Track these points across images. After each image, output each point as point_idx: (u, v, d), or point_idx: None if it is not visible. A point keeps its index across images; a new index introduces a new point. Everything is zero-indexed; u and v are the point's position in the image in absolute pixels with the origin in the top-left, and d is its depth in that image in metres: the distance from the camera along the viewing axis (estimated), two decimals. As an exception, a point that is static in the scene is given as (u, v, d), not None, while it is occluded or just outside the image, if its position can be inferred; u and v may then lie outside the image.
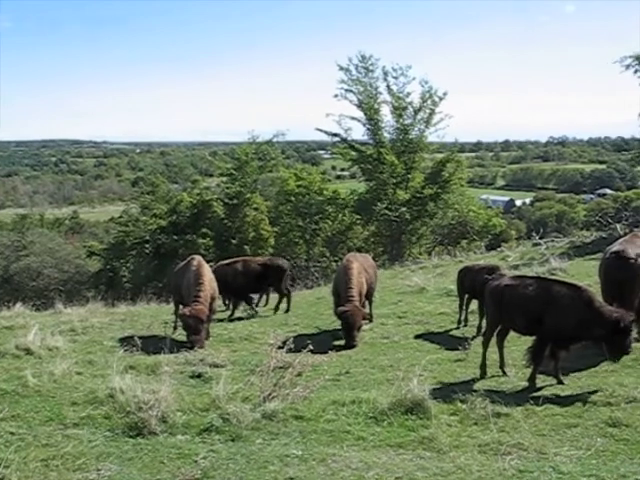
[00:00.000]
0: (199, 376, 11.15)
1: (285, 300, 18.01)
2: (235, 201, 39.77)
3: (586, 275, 17.97)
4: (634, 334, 11.80)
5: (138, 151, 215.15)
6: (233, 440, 7.96)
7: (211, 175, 51.65)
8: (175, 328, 14.97)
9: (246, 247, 38.55)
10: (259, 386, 9.34)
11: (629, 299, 11.46)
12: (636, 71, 29.68)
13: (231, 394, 9.19)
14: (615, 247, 12.12)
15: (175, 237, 37.46)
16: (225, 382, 9.27)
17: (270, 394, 9.02)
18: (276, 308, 17.87)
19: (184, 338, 13.87)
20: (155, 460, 7.42)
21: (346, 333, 13.60)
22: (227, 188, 40.71)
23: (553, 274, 18.95)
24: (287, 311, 17.72)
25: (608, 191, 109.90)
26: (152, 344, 12.98)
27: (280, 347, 10.21)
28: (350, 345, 13.38)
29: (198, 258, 15.18)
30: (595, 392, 9.31)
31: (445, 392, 9.63)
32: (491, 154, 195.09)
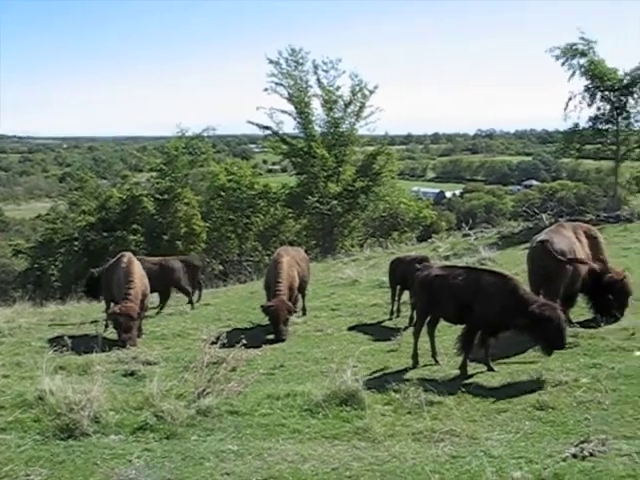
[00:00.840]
0: (132, 374, 11.00)
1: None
2: (166, 196, 39.26)
3: (514, 264, 18.42)
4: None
5: (65, 146, 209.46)
6: (168, 438, 7.91)
7: (141, 170, 50.83)
8: (106, 326, 14.72)
9: (178, 243, 38.16)
10: (193, 382, 9.30)
11: (555, 287, 11.84)
12: (563, 63, 30.55)
13: (165, 391, 9.10)
14: (541, 237, 12.45)
15: (105, 234, 36.74)
16: (159, 379, 9.18)
17: (204, 390, 8.98)
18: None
19: (116, 336, 13.65)
20: (88, 462, 7.30)
21: (273, 328, 13.65)
22: (157, 183, 40.18)
23: (483, 264, 19.35)
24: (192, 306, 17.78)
25: (534, 182, 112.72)
26: (83, 343, 12.73)
27: (213, 342, 10.16)
28: (279, 339, 13.42)
29: (128, 255, 14.97)
30: (523, 377, 9.59)
31: (379, 382, 9.76)
32: (421, 147, 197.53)
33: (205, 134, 43.07)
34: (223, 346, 10.08)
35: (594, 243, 12.93)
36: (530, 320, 9.64)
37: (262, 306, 14.04)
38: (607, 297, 12.60)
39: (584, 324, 12.35)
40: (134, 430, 8.15)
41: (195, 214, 39.69)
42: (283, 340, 13.41)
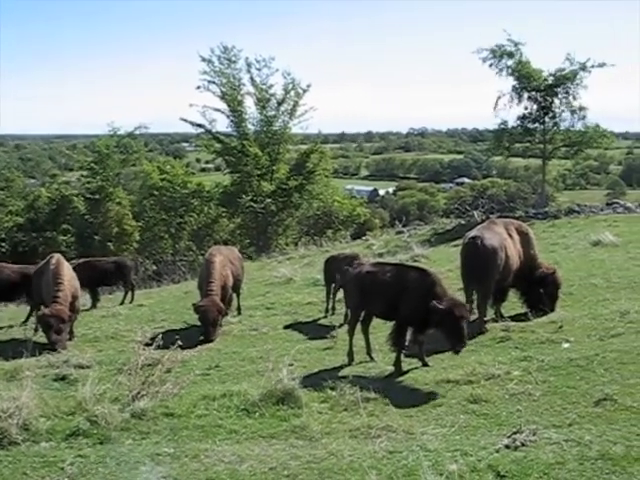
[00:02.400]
0: (63, 379, 10.75)
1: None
2: (97, 196, 38.62)
3: (447, 261, 18.75)
4: (486, 316, 12.60)
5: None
6: (102, 443, 7.74)
7: (71, 169, 49.89)
8: (36, 330, 14.34)
9: (109, 243, 37.52)
10: (127, 385, 9.13)
11: (487, 282, 12.09)
12: (491, 64, 31.19)
13: (98, 395, 8.91)
14: (472, 233, 12.68)
15: (34, 234, 35.92)
16: (91, 383, 8.99)
17: (139, 393, 8.84)
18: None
19: (46, 340, 13.31)
20: (17, 472, 7.07)
21: (204, 328, 13.56)
22: (88, 182, 39.48)
23: (416, 261, 19.61)
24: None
25: (466, 180, 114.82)
26: (11, 348, 12.38)
27: (148, 344, 10.02)
28: (208, 339, 13.34)
29: (57, 256, 14.62)
30: (457, 371, 9.74)
31: (315, 380, 9.80)
32: (354, 145, 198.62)
33: (137, 132, 42.58)
34: (158, 347, 9.90)
35: (525, 239, 13.25)
36: (438, 316, 9.79)
37: (193, 304, 13.94)
38: (539, 291, 12.94)
39: (515, 318, 12.65)
40: (66, 436, 7.93)
41: (127, 214, 39.14)
42: (212, 340, 13.33)
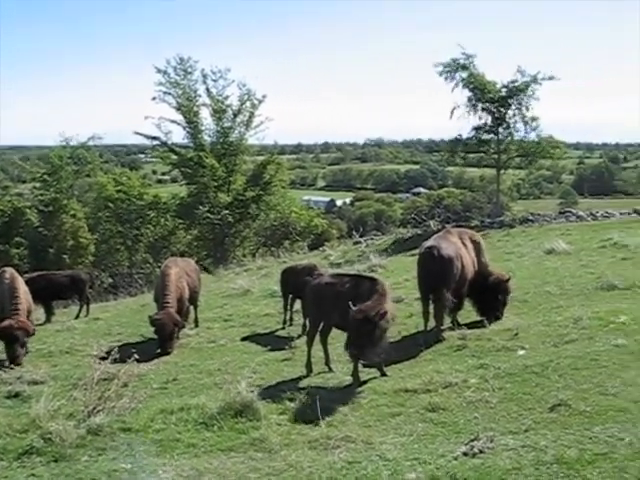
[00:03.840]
0: (16, 395, 10.55)
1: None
2: (50, 208, 38.06)
3: (404, 270, 18.88)
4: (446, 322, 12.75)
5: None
6: (56, 461, 7.60)
7: (24, 181, 48.95)
8: None
9: (65, 256, 36.95)
10: (83, 401, 9.00)
11: (444, 291, 12.19)
12: (447, 78, 31.62)
13: (53, 412, 8.77)
14: (429, 243, 12.82)
15: (-15, 248, 35.17)
16: (46, 400, 8.84)
17: (95, 408, 8.72)
18: None
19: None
20: (-33, 493, 6.92)
21: (160, 341, 13.44)
22: (41, 194, 38.86)
23: (373, 271, 19.70)
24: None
25: (422, 190, 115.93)
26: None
27: (104, 358, 9.89)
28: (164, 352, 13.23)
29: (10, 270, 14.34)
30: (415, 380, 9.79)
31: (273, 392, 9.77)
32: (311, 156, 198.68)
33: (91, 143, 42.12)
34: (114, 362, 9.82)
35: (477, 247, 13.48)
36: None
37: (149, 317, 13.81)
38: (494, 298, 13.13)
39: (470, 326, 12.80)
40: (19, 455, 7.77)
41: (82, 226, 38.64)
42: (169, 353, 13.22)
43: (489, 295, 13.18)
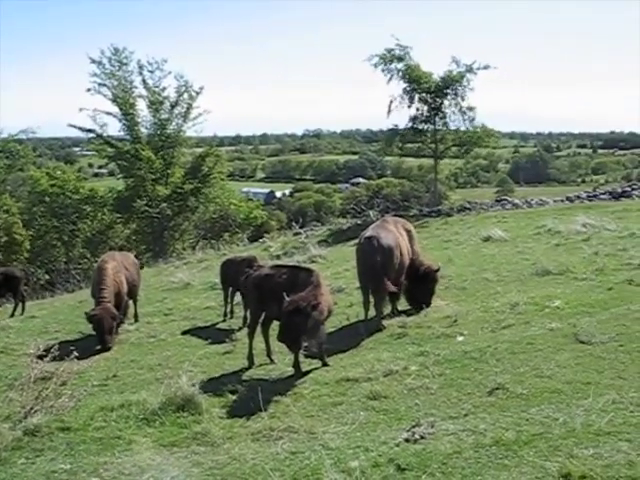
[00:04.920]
0: (-52, 398, 10.23)
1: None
2: (-19, 204, 36.86)
3: (344, 260, 18.99)
4: (385, 310, 12.89)
5: None
6: (-9, 464, 7.42)
7: (-49, 175, 47.33)
8: None
9: (-2, 252, 35.95)
10: (19, 401, 8.81)
11: (382, 280, 12.29)
12: (383, 69, 31.72)
13: (-14, 414, 8.56)
14: (368, 232, 12.91)
15: None
16: (-21, 402, 8.61)
17: (32, 408, 8.54)
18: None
19: None
20: None
21: (98, 336, 13.24)
22: (-29, 190, 37.66)
23: (313, 261, 19.78)
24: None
25: (361, 180, 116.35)
26: None
27: (41, 357, 9.68)
28: (105, 348, 13.05)
29: None
30: (357, 369, 9.87)
31: (215, 385, 9.74)
32: (250, 147, 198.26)
33: (23, 136, 40.94)
34: (52, 360, 9.62)
35: (410, 236, 13.68)
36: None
37: (86, 313, 13.58)
38: (424, 287, 13.34)
39: (408, 313, 12.98)
40: (-49, 460, 7.56)
41: (16, 222, 37.57)
42: (109, 349, 13.03)
43: (419, 284, 13.38)
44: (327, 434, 7.64)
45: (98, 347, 13.02)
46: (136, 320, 15.39)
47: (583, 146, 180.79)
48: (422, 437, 7.15)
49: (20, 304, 18.07)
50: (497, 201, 30.66)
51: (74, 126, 39.64)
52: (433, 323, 11.92)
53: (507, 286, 13.92)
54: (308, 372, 10.14)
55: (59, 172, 41.45)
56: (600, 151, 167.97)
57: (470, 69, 31.07)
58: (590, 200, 27.30)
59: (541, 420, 7.25)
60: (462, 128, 32.28)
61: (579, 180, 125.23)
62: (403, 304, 13.53)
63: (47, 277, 33.76)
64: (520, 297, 12.31)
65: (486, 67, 31.13)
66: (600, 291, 12.44)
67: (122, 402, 9.06)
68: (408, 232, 13.68)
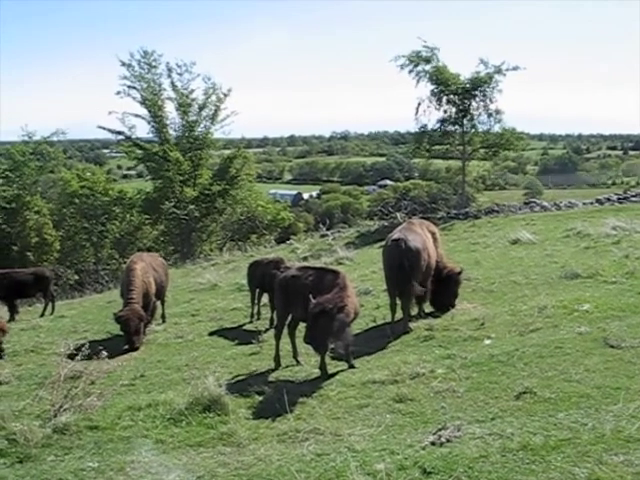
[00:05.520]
0: (-21, 396, 10.38)
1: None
2: (13, 205, 37.33)
3: (371, 262, 18.97)
4: (412, 312, 12.86)
5: None
6: (21, 461, 7.50)
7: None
8: None
9: (29, 253, 36.40)
10: (49, 400, 8.92)
11: (411, 282, 12.26)
12: (410, 71, 31.59)
13: (17, 412, 8.69)
14: (395, 235, 12.87)
15: (-54, 246, 34.55)
16: (10, 400, 8.75)
17: (61, 407, 8.63)
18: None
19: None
20: None
21: (126, 337, 13.35)
22: (3, 191, 38.13)
23: (340, 263, 19.80)
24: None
25: (388, 182, 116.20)
26: None
27: (70, 356, 9.80)
28: (132, 348, 13.15)
29: None
30: (383, 372, 9.84)
31: (242, 386, 9.76)
32: (278, 149, 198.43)
33: (55, 138, 41.36)
34: (81, 359, 9.73)
35: (434, 238, 13.63)
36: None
37: (114, 314, 13.70)
38: (449, 289, 13.31)
39: (434, 315, 12.96)
40: (-18, 457, 7.67)
41: (47, 223, 38.03)
42: (136, 349, 13.14)
43: (442, 286, 13.33)
44: (353, 436, 7.62)
45: (126, 347, 13.14)
46: (163, 321, 15.51)
47: (613, 148, 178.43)
48: (448, 440, 7.10)
49: (50, 304, 18.31)
50: (525, 203, 30.40)
51: (104, 128, 40.11)
52: (460, 326, 11.86)
53: (535, 289, 13.81)
54: (334, 374, 10.13)
55: (89, 174, 41.98)
56: (631, 152, 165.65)
57: (499, 70, 30.78)
58: (620, 202, 26.97)
59: (569, 425, 7.16)
60: (491, 130, 32.04)
61: (609, 182, 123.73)
62: (429, 306, 13.48)
63: (76, 277, 34.13)
64: (548, 300, 12.21)
65: (515, 68, 30.85)
66: (630, 295, 12.28)
67: (149, 402, 9.12)
68: (433, 234, 13.64)
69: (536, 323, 11.19)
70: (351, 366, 10.38)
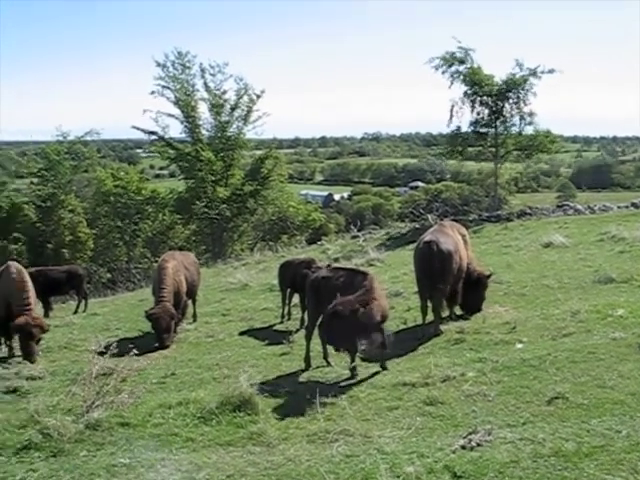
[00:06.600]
0: (14, 391, 10.54)
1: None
2: (48, 203, 37.94)
3: (402, 264, 18.91)
4: (443, 314, 12.81)
5: None
6: (55, 456, 7.60)
7: (21, 177, 48.65)
8: (1, 344, 13.99)
9: (64, 251, 36.92)
10: (81, 396, 9.00)
11: (443, 286, 12.21)
12: (444, 72, 31.45)
13: (51, 407, 8.80)
14: (427, 237, 12.82)
15: (-16, 243, 35.18)
16: (44, 395, 8.88)
17: (94, 403, 8.72)
18: None
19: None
20: (-35, 488, 6.92)
21: (157, 335, 13.45)
22: (39, 190, 38.73)
23: (371, 265, 19.76)
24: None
25: (420, 184, 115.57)
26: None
27: (102, 353, 9.90)
28: (162, 346, 13.24)
29: (15, 265, 14.05)
30: (414, 374, 9.79)
31: (272, 386, 9.78)
32: (309, 150, 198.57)
33: (88, 138, 41.99)
34: (112, 357, 9.83)
35: (464, 240, 13.55)
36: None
37: (145, 312, 13.81)
38: (478, 292, 13.22)
39: (465, 318, 12.88)
40: (17, 450, 7.79)
41: (81, 221, 38.59)
42: (166, 347, 13.23)
43: (472, 289, 13.25)
44: (382, 438, 7.60)
45: (156, 345, 13.24)
46: (195, 320, 15.60)
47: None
48: (479, 444, 7.04)
49: (83, 301, 18.53)
50: (558, 206, 30.11)
51: (137, 128, 40.55)
52: (491, 329, 11.76)
53: (568, 293, 13.66)
54: (364, 375, 10.11)
55: (123, 173, 42.43)
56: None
57: (534, 73, 30.49)
58: (657, 206, 26.60)
59: (603, 432, 7.06)
60: (523, 132, 31.77)
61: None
62: (459, 309, 13.41)
63: (109, 275, 34.55)
64: (582, 305, 12.06)
65: (551, 71, 30.52)
66: (666, 300, 12.09)
67: (180, 400, 9.17)
68: (463, 237, 13.56)
69: (569, 328, 11.05)
70: (383, 367, 10.32)
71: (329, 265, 13.83)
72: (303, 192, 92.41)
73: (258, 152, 43.04)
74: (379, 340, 10.26)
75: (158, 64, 39.29)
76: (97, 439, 8.03)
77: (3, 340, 13.96)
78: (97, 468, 7.23)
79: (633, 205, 27.51)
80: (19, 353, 12.99)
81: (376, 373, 10.19)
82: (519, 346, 10.62)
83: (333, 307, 9.77)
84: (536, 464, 6.51)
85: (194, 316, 15.73)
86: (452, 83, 31.32)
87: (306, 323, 11.84)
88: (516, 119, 31.29)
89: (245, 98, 40.05)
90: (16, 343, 13.20)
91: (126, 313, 17.48)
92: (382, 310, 10.33)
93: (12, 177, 53.83)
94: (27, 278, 13.76)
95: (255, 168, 40.81)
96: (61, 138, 40.56)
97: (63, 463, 7.41)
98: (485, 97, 31.04)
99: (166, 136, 40.65)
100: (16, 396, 10.33)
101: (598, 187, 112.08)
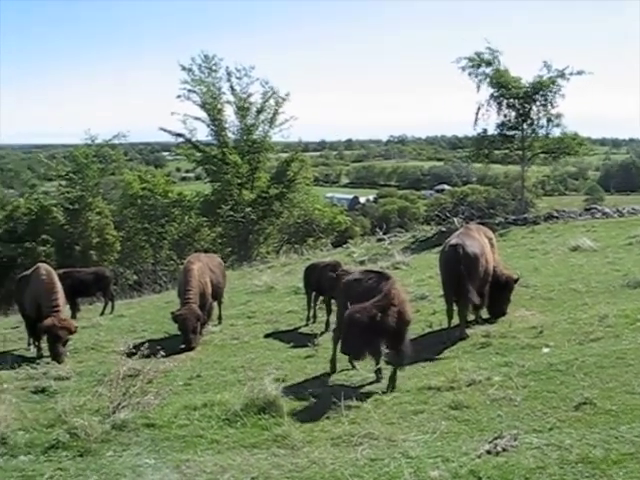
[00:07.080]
0: (43, 391, 10.67)
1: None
2: (76, 206, 38.28)
3: (428, 267, 18.82)
4: (470, 317, 12.74)
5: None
6: (82, 455, 7.69)
7: (50, 179, 49.11)
8: (30, 344, 14.18)
9: (92, 252, 37.28)
10: (108, 396, 9.08)
11: (468, 287, 12.13)
12: (470, 73, 31.25)
13: (78, 407, 8.88)
14: (452, 240, 12.77)
15: (12, 245, 35.58)
16: (71, 395, 8.98)
17: (120, 404, 8.79)
18: None
19: (27, 353, 13.15)
20: (-5, 486, 7.01)
21: (183, 336, 13.51)
22: (67, 192, 39.11)
23: (397, 268, 19.71)
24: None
25: (446, 187, 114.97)
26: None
27: (129, 355, 9.98)
28: (189, 347, 13.30)
29: (45, 266, 14.27)
30: (439, 378, 9.74)
31: (297, 389, 9.80)
32: (335, 153, 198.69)
33: (116, 141, 42.27)
34: (139, 358, 9.91)
35: (491, 244, 13.45)
36: None
37: (172, 313, 13.88)
38: (504, 296, 13.13)
39: (491, 322, 12.80)
40: (45, 449, 7.88)
41: (108, 223, 38.88)
42: (193, 348, 13.30)
43: (499, 293, 13.15)
44: (407, 442, 7.57)
45: (182, 346, 13.31)
46: (220, 322, 15.66)
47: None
48: (504, 450, 6.99)
49: (109, 303, 18.70)
50: (586, 210, 29.74)
51: (165, 130, 40.78)
52: (518, 333, 11.67)
53: (596, 297, 13.50)
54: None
55: (149, 176, 42.74)
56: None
57: (562, 74, 30.16)
58: (687, 209, 26.22)
59: (632, 439, 6.95)
60: (551, 135, 31.47)
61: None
62: (485, 312, 13.33)
63: (135, 277, 34.75)
64: (610, 309, 11.91)
65: (580, 72, 30.10)
66: (696, 305, 11.92)
67: (205, 402, 9.21)
68: (489, 240, 13.48)
69: (596, 332, 10.92)
70: (397, 371, 10.10)
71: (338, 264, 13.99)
72: (329, 195, 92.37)
73: (284, 155, 43.11)
74: (400, 345, 10.12)
75: (183, 68, 39.51)
76: (123, 439, 8.10)
77: (32, 341, 14.17)
78: (123, 468, 7.29)
79: (663, 208, 27.11)
80: (47, 354, 13.15)
81: (401, 377, 10.10)
82: (546, 350, 10.53)
83: (349, 315, 9.66)
84: (563, 470, 6.45)
85: (219, 318, 15.79)
86: (479, 85, 31.11)
87: (331, 326, 11.82)
88: (543, 121, 30.98)
89: (271, 101, 40.13)
90: (45, 344, 13.37)
91: (152, 315, 17.59)
92: (403, 314, 10.11)
93: (41, 180, 54.52)
94: (56, 280, 13.93)
95: (281, 171, 40.88)
96: (89, 141, 40.91)
97: (90, 463, 7.48)
98: (512, 99, 30.79)
99: (193, 139, 40.88)
100: (44, 396, 10.45)
101: (627, 190, 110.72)
